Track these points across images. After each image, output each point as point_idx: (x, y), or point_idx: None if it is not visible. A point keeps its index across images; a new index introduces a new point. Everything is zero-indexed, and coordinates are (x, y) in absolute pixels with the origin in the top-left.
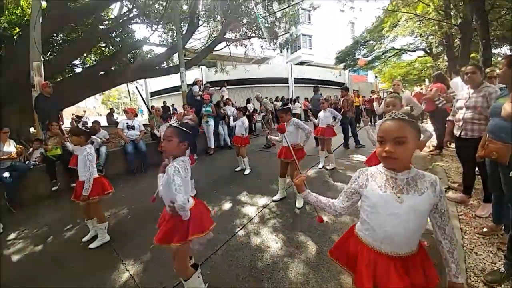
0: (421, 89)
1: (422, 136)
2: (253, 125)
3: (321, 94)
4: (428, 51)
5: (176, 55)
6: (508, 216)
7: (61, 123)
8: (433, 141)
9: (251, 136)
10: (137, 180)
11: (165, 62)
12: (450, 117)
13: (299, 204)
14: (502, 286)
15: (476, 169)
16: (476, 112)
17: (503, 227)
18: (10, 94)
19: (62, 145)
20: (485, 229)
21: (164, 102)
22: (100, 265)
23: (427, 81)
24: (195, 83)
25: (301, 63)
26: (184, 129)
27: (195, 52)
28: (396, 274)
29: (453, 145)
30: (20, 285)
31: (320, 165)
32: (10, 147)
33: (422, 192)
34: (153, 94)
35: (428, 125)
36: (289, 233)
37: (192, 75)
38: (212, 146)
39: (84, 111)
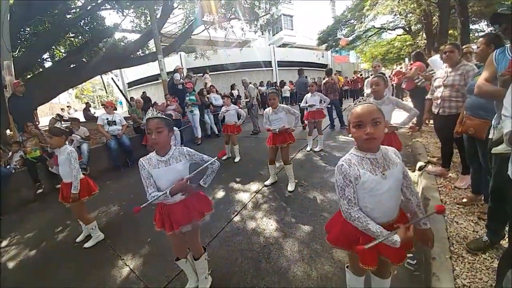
0: (401, 67)
1: (407, 114)
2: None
3: (306, 76)
4: (407, 29)
5: (151, 41)
6: (487, 187)
7: (37, 123)
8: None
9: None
10: (123, 175)
11: (140, 50)
12: (429, 95)
13: (291, 187)
14: (487, 254)
15: (454, 144)
16: (453, 90)
17: (482, 198)
18: None
19: (40, 146)
20: (464, 200)
21: (144, 92)
22: (98, 263)
23: (406, 60)
24: (175, 71)
25: (284, 45)
26: (168, 118)
27: (172, 38)
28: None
29: (431, 122)
30: None
31: (308, 148)
32: None
33: (396, 163)
34: (131, 84)
35: (408, 103)
36: (282, 215)
37: (171, 62)
38: (199, 136)
39: (68, 106)
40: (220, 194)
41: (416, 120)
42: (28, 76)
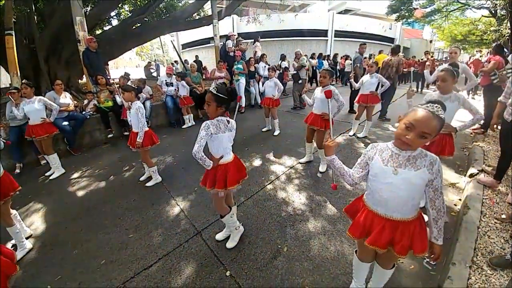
0: (481, 56)
1: (471, 117)
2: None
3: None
4: (493, 12)
5: (207, 4)
6: None
7: (108, 77)
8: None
9: (282, 96)
10: (177, 131)
11: (196, 13)
12: (502, 98)
13: (322, 168)
14: (505, 271)
15: None
16: None
17: None
18: (54, 47)
19: (112, 98)
20: (503, 216)
21: (196, 56)
22: (156, 199)
23: (484, 50)
24: (228, 37)
25: (345, 11)
26: (221, 95)
27: None
28: (381, 229)
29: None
30: (85, 214)
31: (351, 132)
32: (66, 99)
33: (418, 168)
34: (184, 46)
35: (479, 101)
36: (312, 193)
37: (223, 25)
38: (243, 105)
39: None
40: (257, 162)
41: (482, 122)
42: (98, 32)
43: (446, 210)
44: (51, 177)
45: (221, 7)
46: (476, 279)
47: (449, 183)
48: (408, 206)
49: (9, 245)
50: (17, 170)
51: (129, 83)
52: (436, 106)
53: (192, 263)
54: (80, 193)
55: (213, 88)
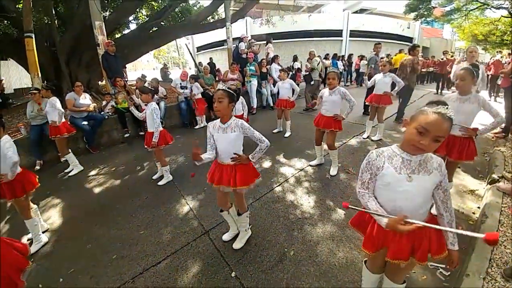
0: (502, 56)
1: (492, 120)
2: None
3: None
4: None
5: (221, 7)
6: None
7: (126, 79)
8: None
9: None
10: (190, 132)
11: (210, 16)
12: None
13: (333, 172)
14: None
15: None
16: None
17: None
18: (75, 50)
19: (129, 99)
20: None
21: (211, 58)
22: (167, 198)
23: (504, 51)
24: (241, 39)
25: (361, 10)
26: (232, 91)
27: (240, 1)
28: (399, 240)
29: None
30: (100, 210)
31: (365, 135)
32: (86, 100)
33: (430, 172)
34: (199, 49)
35: (500, 103)
36: (321, 196)
37: (236, 28)
38: (255, 106)
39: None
40: (267, 164)
41: (504, 126)
42: (117, 36)
43: (464, 219)
44: (69, 174)
45: (235, 9)
46: None
47: (468, 190)
48: (423, 210)
49: (25, 239)
50: (37, 167)
51: (145, 84)
52: (445, 107)
53: (198, 262)
54: (97, 190)
55: (223, 87)
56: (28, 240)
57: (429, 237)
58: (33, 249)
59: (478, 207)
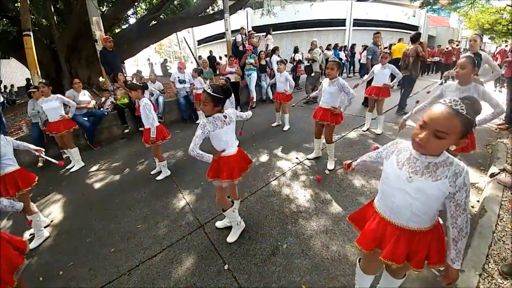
0: (506, 45)
1: (492, 110)
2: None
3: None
4: None
5: None
6: None
7: (125, 75)
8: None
9: (295, 90)
10: (188, 127)
11: (209, 7)
12: None
13: (330, 166)
14: None
15: None
16: None
17: None
18: (75, 46)
19: (128, 95)
20: None
21: (210, 51)
22: (164, 192)
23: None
24: (238, 32)
25: None
26: (217, 95)
27: None
28: (396, 241)
29: None
30: (100, 205)
31: (365, 128)
32: (85, 96)
33: (437, 179)
34: (200, 42)
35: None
36: (317, 190)
37: (237, 19)
38: (255, 99)
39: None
40: (264, 158)
41: (505, 116)
42: (116, 31)
43: None
44: (71, 170)
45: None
46: None
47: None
48: (426, 216)
49: (26, 234)
50: (40, 164)
51: (148, 80)
52: (454, 100)
53: (193, 255)
54: (97, 185)
55: (208, 88)
56: (30, 235)
57: (429, 245)
58: (34, 244)
59: (478, 201)
